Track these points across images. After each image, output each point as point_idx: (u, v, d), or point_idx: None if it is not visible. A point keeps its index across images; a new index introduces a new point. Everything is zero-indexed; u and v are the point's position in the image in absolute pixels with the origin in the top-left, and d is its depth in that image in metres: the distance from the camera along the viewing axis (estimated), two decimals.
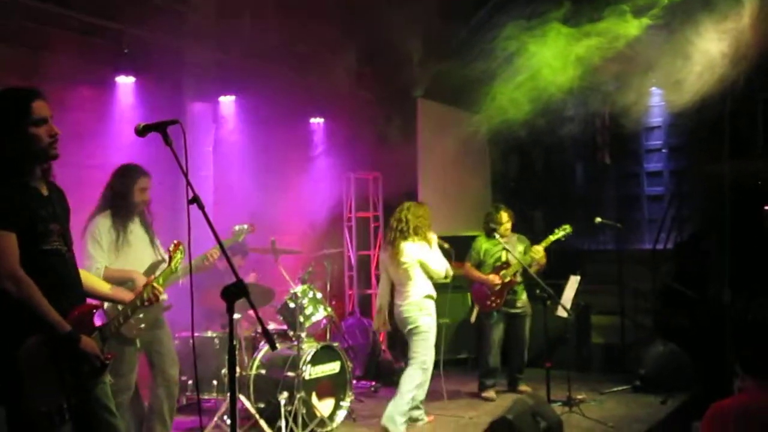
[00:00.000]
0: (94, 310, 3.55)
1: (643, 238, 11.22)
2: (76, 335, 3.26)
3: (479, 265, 7.57)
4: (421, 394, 6.44)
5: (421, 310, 6.36)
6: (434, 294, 6.49)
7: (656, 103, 10.90)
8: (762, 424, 2.91)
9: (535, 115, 8.37)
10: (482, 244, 7.59)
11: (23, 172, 3.32)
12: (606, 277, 9.32)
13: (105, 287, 4.02)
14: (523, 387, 7.63)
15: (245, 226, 5.91)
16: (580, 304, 8.58)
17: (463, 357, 9.12)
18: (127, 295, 4.11)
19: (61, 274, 3.35)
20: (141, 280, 5.04)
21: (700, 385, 7.21)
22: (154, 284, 4.12)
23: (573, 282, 7.30)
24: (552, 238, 7.42)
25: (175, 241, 4.52)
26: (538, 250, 7.34)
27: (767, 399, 2.99)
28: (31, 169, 3.35)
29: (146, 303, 4.06)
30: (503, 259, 7.44)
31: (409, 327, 6.38)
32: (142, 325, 5.25)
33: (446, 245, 6.69)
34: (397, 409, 6.16)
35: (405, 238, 6.44)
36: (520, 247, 7.52)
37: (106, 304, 4.66)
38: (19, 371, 3.13)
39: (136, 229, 5.39)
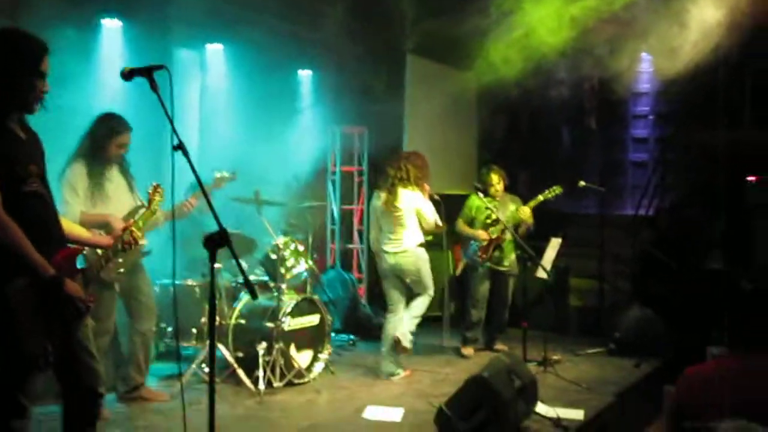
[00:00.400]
0: (77, 255, 3.54)
1: (625, 204, 11.26)
2: (61, 278, 3.26)
3: (471, 222, 7.63)
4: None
5: (418, 259, 6.64)
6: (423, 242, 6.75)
7: (645, 69, 10.86)
8: (737, 391, 2.94)
9: (524, 75, 8.32)
10: (475, 201, 7.60)
11: (4, 115, 3.28)
12: (587, 240, 9.37)
13: (84, 232, 4.01)
14: (499, 346, 7.71)
15: (226, 174, 5.87)
16: (560, 266, 8.64)
17: (441, 314, 9.18)
18: (106, 240, 4.11)
19: (43, 217, 3.34)
20: (118, 224, 5.04)
21: (674, 351, 7.31)
22: (133, 228, 4.11)
23: (554, 244, 7.35)
24: (540, 198, 7.47)
25: (154, 183, 4.51)
26: (525, 210, 7.40)
27: (742, 366, 3.02)
28: (13, 113, 3.32)
29: (125, 246, 4.07)
30: (493, 217, 7.45)
31: (412, 278, 6.66)
32: (121, 270, 5.25)
33: (436, 196, 6.77)
34: (409, 328, 6.57)
35: (404, 186, 6.55)
36: (512, 207, 7.55)
37: (85, 249, 4.65)
38: (7, 314, 3.12)
39: (114, 175, 5.35)
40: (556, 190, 7.49)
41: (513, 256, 7.70)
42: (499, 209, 7.34)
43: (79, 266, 3.56)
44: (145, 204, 4.88)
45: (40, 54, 3.32)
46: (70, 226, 3.87)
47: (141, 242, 5.43)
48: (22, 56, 3.28)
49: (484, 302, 7.66)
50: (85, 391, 3.52)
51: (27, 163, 3.30)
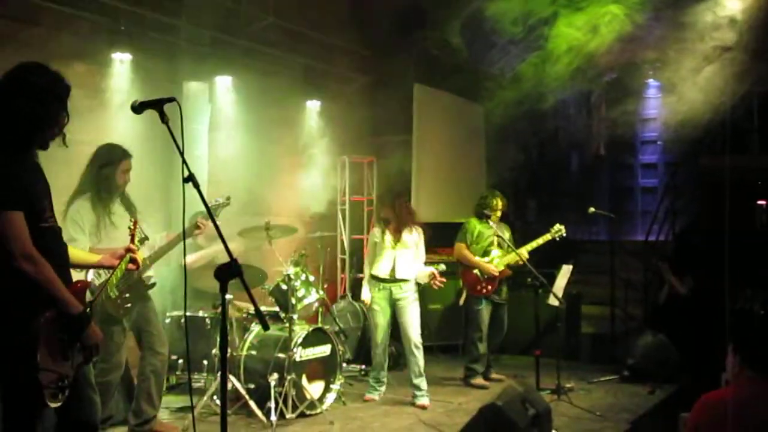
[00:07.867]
0: (86, 289, 3.54)
1: (635, 230, 11.25)
2: (88, 316, 3.28)
3: (469, 247, 7.50)
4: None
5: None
6: (379, 275, 6.73)
7: (653, 95, 10.88)
8: (755, 415, 2.90)
9: (532, 103, 8.34)
10: (475, 225, 7.49)
11: (29, 149, 3.28)
12: (598, 267, 9.33)
13: (93, 257, 4.00)
14: (494, 375, 7.67)
15: (221, 200, 5.84)
16: (572, 293, 8.59)
17: (452, 343, 9.13)
18: (114, 261, 4.11)
19: (58, 252, 3.34)
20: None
21: (688, 377, 7.24)
22: (132, 247, 4.10)
23: (565, 271, 7.31)
24: (540, 241, 7.41)
25: (132, 220, 4.49)
26: (523, 254, 7.20)
27: (761, 391, 2.98)
28: (34, 147, 3.32)
29: (129, 268, 4.07)
30: (495, 244, 7.42)
31: None
32: (128, 305, 5.22)
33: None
34: None
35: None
36: (507, 235, 7.46)
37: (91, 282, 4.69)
38: (30, 344, 3.12)
39: (118, 210, 5.30)
40: (561, 230, 7.42)
41: (506, 287, 7.65)
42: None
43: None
44: (148, 237, 4.89)
45: (66, 91, 3.32)
46: (78, 253, 3.86)
47: (148, 274, 5.44)
48: (55, 91, 3.29)
49: (486, 334, 7.52)
50: (84, 425, 3.49)
51: (42, 197, 3.30)
